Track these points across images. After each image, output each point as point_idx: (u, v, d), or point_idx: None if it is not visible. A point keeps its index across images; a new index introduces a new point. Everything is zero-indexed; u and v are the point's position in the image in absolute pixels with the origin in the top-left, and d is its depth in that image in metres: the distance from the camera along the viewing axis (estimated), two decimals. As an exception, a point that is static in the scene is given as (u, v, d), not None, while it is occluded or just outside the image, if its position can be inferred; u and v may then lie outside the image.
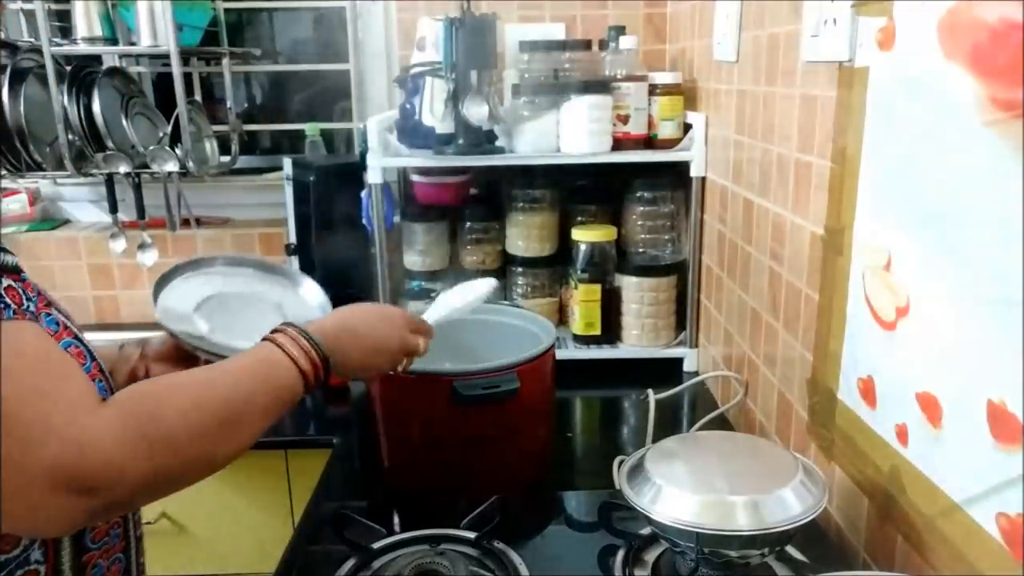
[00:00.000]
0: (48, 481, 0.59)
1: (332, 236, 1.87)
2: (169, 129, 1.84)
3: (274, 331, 0.82)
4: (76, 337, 0.78)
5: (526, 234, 1.79)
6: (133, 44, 1.80)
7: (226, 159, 2.04)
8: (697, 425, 1.42)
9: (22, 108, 1.70)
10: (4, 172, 1.83)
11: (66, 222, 2.19)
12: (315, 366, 0.80)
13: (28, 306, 0.68)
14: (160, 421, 0.66)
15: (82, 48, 1.78)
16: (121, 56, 1.93)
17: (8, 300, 0.65)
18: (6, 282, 0.66)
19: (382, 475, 1.20)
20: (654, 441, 1.14)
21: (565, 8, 1.94)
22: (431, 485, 1.17)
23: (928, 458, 0.80)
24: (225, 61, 2.00)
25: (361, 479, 1.22)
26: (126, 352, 1.03)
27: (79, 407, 0.63)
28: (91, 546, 0.78)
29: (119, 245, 1.91)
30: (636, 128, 1.61)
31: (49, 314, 0.75)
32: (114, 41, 1.82)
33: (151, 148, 1.81)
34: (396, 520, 1.07)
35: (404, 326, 0.92)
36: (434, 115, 1.67)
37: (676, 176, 1.70)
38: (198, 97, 2.01)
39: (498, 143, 1.65)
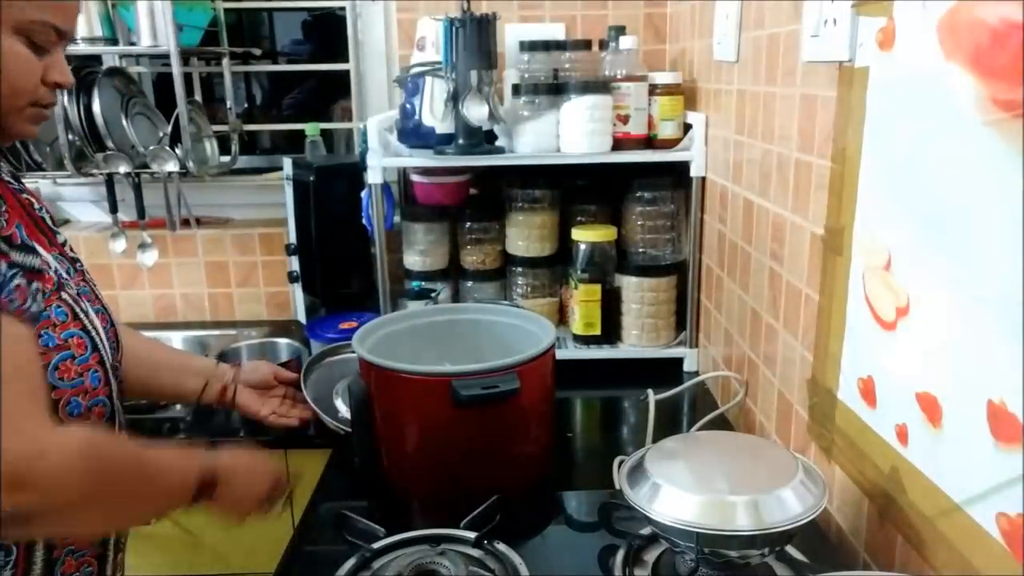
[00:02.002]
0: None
1: (332, 236, 1.87)
2: (169, 129, 1.84)
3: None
4: (83, 329, 0.84)
5: (526, 234, 1.79)
6: (133, 44, 1.80)
7: (226, 159, 2.04)
8: (697, 425, 1.42)
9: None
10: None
11: (66, 222, 2.19)
12: (210, 493, 0.86)
13: (30, 305, 0.75)
14: (104, 464, 0.72)
15: (82, 48, 1.79)
16: (121, 56, 1.94)
17: (15, 297, 0.73)
18: (16, 281, 0.73)
19: (382, 475, 1.20)
20: (654, 441, 1.14)
21: (565, 8, 1.94)
22: (431, 485, 1.17)
23: (928, 458, 0.80)
24: (225, 61, 2.01)
25: (361, 479, 1.22)
26: (221, 370, 1.25)
27: (42, 419, 0.69)
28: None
29: (119, 245, 1.91)
30: (636, 128, 1.61)
31: (59, 305, 0.82)
32: (114, 41, 1.82)
33: (151, 148, 1.81)
34: (396, 520, 1.06)
35: (271, 483, 0.98)
36: (434, 115, 1.67)
37: (676, 176, 1.70)
38: (198, 97, 2.01)
39: (498, 143, 1.66)
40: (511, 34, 1.85)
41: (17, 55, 0.78)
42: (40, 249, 0.85)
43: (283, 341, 1.77)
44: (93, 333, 0.86)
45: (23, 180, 0.96)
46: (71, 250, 0.96)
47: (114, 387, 0.90)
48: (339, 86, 2.07)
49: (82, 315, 0.85)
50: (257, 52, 2.14)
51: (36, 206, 0.94)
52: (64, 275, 0.87)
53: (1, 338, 0.68)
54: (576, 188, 1.84)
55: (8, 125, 0.82)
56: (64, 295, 0.84)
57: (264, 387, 1.31)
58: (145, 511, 0.84)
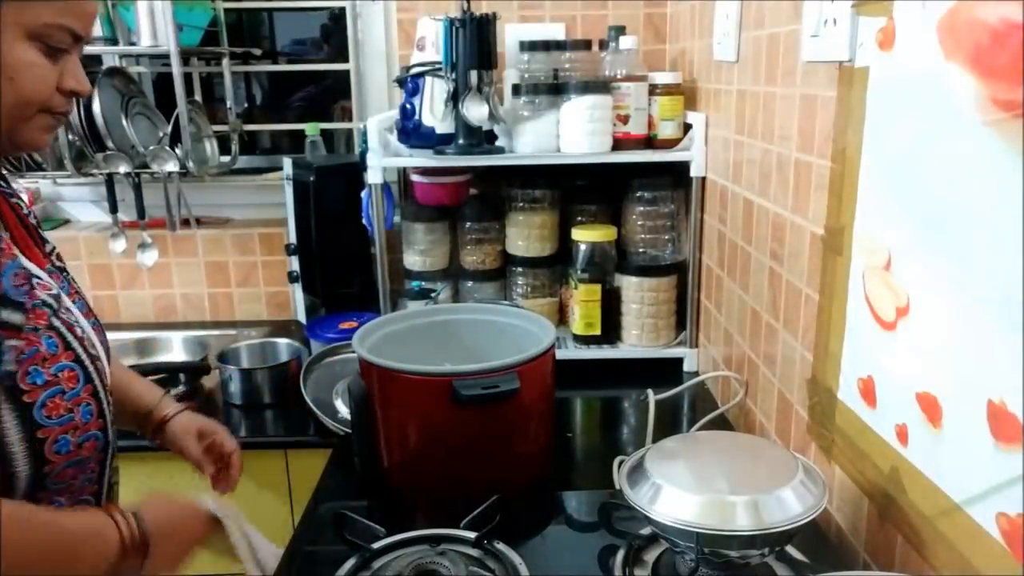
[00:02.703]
0: None
1: (332, 236, 1.87)
2: (169, 129, 1.84)
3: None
4: (76, 359, 0.79)
5: (526, 234, 1.79)
6: (133, 44, 1.80)
7: (226, 159, 2.05)
8: (697, 425, 1.42)
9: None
10: (4, 172, 1.83)
11: (66, 222, 2.19)
12: (140, 553, 0.79)
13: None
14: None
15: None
16: (121, 56, 1.94)
17: None
18: None
19: (382, 475, 1.20)
20: (654, 441, 1.14)
21: (565, 8, 1.94)
22: (431, 485, 1.17)
23: (928, 458, 0.80)
24: (225, 61, 2.01)
25: (361, 479, 1.22)
26: (163, 406, 1.08)
27: None
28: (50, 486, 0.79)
29: (119, 245, 1.91)
30: (636, 128, 1.61)
31: (51, 336, 0.77)
32: (114, 41, 1.82)
33: (151, 148, 1.81)
34: (396, 520, 1.06)
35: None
36: (434, 115, 1.67)
37: (676, 176, 1.70)
38: (198, 97, 2.01)
39: (498, 143, 1.66)
40: (511, 34, 1.86)
41: (31, 64, 0.73)
42: (37, 271, 0.80)
43: (283, 341, 1.77)
44: (87, 362, 0.80)
45: (10, 180, 0.90)
46: (58, 258, 0.91)
47: (108, 418, 0.84)
48: (349, 85, 2.08)
49: (75, 343, 0.80)
50: (257, 52, 2.14)
51: (26, 211, 0.88)
52: (58, 295, 0.81)
53: None
54: (576, 188, 1.84)
55: (18, 135, 0.76)
56: (57, 322, 0.78)
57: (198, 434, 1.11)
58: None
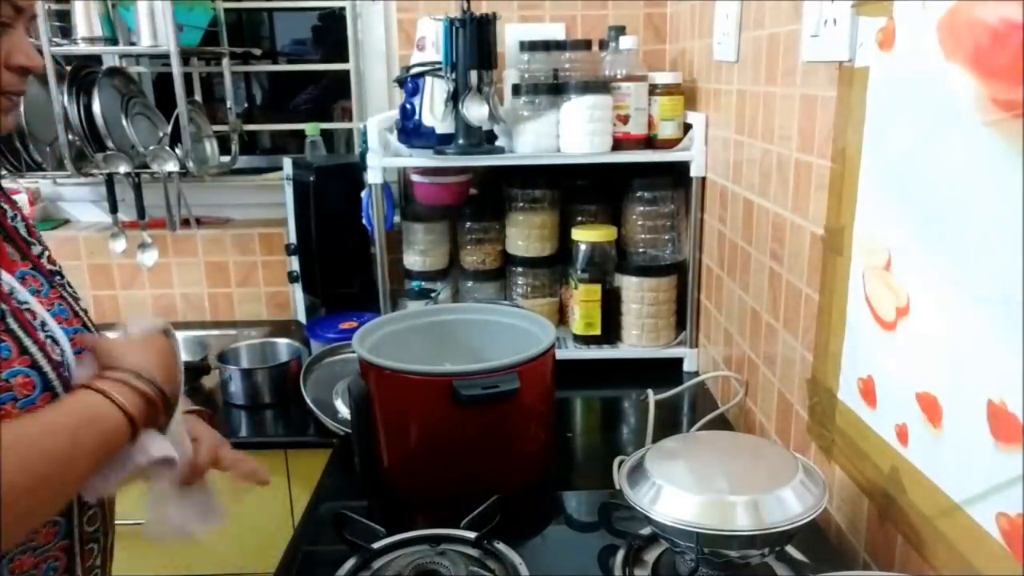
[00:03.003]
0: None
1: (332, 236, 1.87)
2: (169, 129, 1.84)
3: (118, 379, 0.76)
4: (32, 365, 0.75)
5: (526, 234, 1.79)
6: (133, 44, 1.80)
7: (226, 159, 2.04)
8: (697, 425, 1.42)
9: (22, 108, 1.70)
10: (4, 172, 1.84)
11: (66, 222, 2.19)
12: (154, 413, 0.77)
13: None
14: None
15: (82, 48, 1.79)
16: (121, 56, 1.94)
17: None
18: None
19: (382, 475, 1.20)
20: (654, 441, 1.14)
21: (565, 8, 1.94)
22: (431, 485, 1.17)
23: (928, 458, 0.80)
24: (225, 61, 2.01)
25: (361, 479, 1.22)
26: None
27: None
28: None
29: (119, 245, 1.91)
30: (636, 128, 1.61)
31: (3, 340, 0.73)
32: (114, 41, 1.82)
33: (151, 148, 1.81)
34: (396, 520, 1.06)
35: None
36: (434, 115, 1.67)
37: (676, 176, 1.70)
38: (198, 97, 2.01)
39: (498, 143, 1.66)
40: (511, 34, 1.86)
41: None
42: None
43: (283, 341, 1.77)
44: (46, 369, 0.76)
45: (1, 182, 0.88)
46: (50, 261, 0.87)
47: None
48: (349, 85, 2.08)
49: (33, 348, 0.75)
50: (257, 52, 2.14)
51: (10, 214, 0.85)
52: (22, 299, 0.78)
53: None
54: (576, 188, 1.84)
55: None
56: (10, 325, 0.74)
57: None
58: (75, 486, 0.73)
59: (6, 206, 0.86)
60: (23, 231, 0.86)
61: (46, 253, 0.88)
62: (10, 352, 0.73)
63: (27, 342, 0.75)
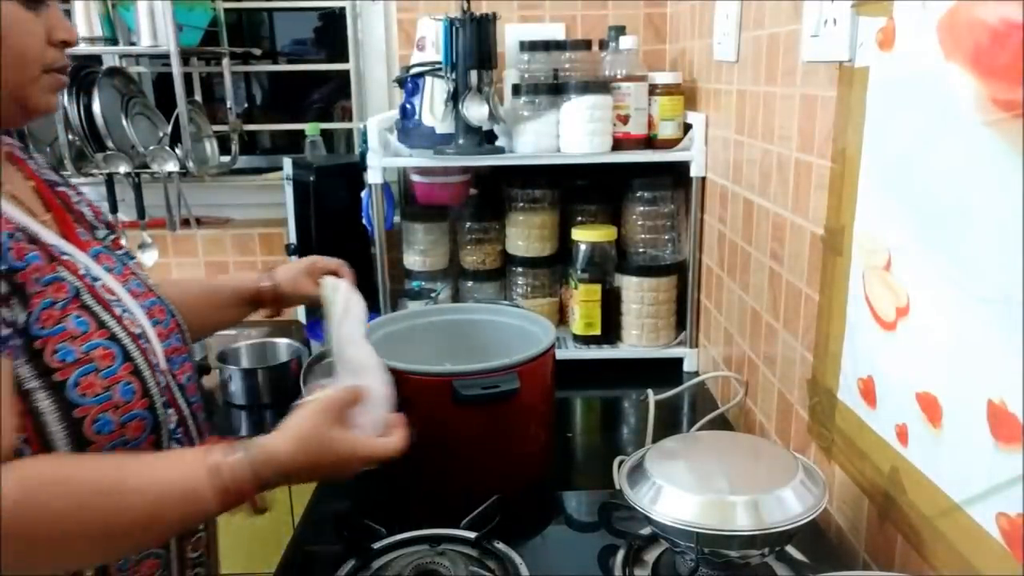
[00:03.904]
0: None
1: (332, 236, 1.87)
2: (169, 129, 1.84)
3: (225, 447, 0.76)
4: (111, 337, 0.77)
5: (526, 234, 1.79)
6: (133, 44, 1.81)
7: (226, 159, 2.05)
8: (697, 425, 1.42)
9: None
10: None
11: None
12: (244, 498, 0.76)
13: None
14: (28, 517, 0.65)
15: (82, 48, 1.79)
16: (121, 56, 1.94)
17: None
18: None
19: (382, 475, 1.20)
20: (654, 441, 1.14)
21: (565, 8, 1.94)
22: (431, 485, 1.17)
23: (928, 458, 0.80)
24: (225, 61, 2.01)
25: (361, 479, 1.22)
26: (263, 276, 1.12)
27: None
28: None
29: (119, 245, 1.91)
30: (636, 128, 1.61)
31: (79, 315, 0.76)
32: (114, 41, 1.82)
33: (151, 148, 1.81)
34: (396, 520, 1.06)
35: (350, 462, 0.85)
36: (434, 115, 1.67)
37: (676, 176, 1.70)
38: (198, 97, 2.01)
39: (498, 143, 1.66)
40: (511, 34, 1.86)
41: (15, 20, 0.73)
42: (68, 249, 0.79)
43: (283, 341, 1.77)
44: (125, 340, 0.78)
45: (62, 172, 0.92)
46: (115, 244, 0.90)
47: (157, 398, 0.81)
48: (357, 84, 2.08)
49: (111, 322, 0.78)
50: (257, 52, 2.14)
51: (75, 198, 0.89)
52: (96, 276, 0.80)
53: None
54: (576, 188, 1.84)
55: (27, 99, 0.76)
56: (89, 300, 0.77)
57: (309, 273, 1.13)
58: (136, 544, 0.74)
59: (71, 191, 0.90)
60: (89, 215, 0.90)
61: (111, 237, 0.91)
62: (88, 326, 0.76)
63: (104, 316, 0.78)
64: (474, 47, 1.52)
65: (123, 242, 0.93)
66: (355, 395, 0.88)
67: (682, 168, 1.63)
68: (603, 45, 1.70)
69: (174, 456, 0.78)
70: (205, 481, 0.72)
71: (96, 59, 1.88)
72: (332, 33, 2.35)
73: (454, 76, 1.55)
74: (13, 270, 0.71)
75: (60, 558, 0.69)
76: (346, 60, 2.06)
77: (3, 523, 0.62)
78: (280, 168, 1.97)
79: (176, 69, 1.74)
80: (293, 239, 1.93)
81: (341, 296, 1.03)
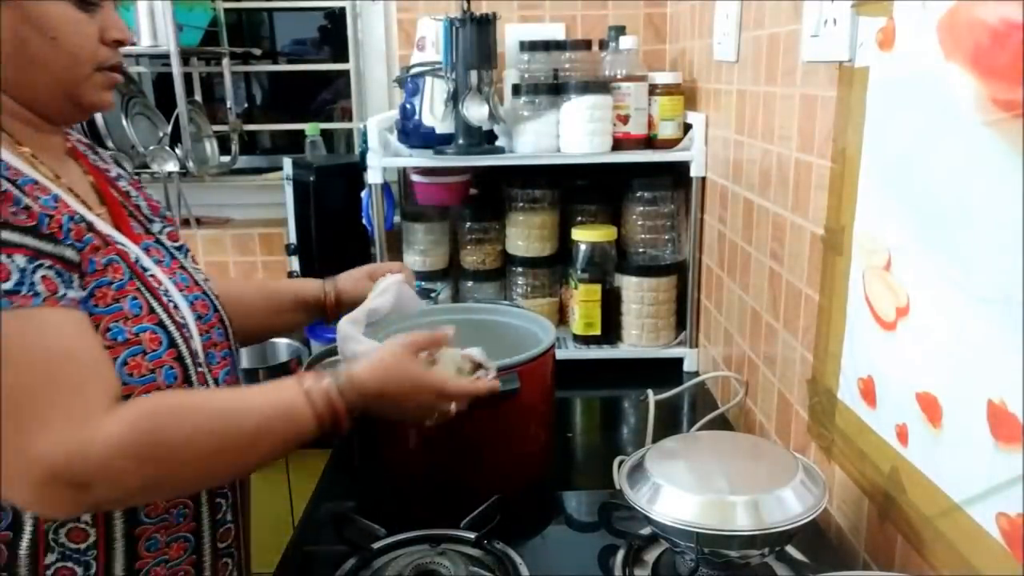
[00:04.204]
0: (42, 472, 0.66)
1: (332, 236, 1.87)
2: (169, 129, 1.84)
3: (316, 374, 0.83)
4: (159, 323, 0.80)
5: (526, 234, 1.79)
6: (133, 44, 1.80)
7: (226, 159, 2.05)
8: (697, 425, 1.42)
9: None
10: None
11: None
12: (338, 421, 0.81)
13: (65, 292, 0.72)
14: (160, 444, 0.70)
15: (82, 48, 1.78)
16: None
17: (41, 288, 0.69)
18: (42, 272, 0.70)
19: (382, 475, 1.20)
20: (654, 441, 1.14)
21: (565, 8, 1.94)
22: (431, 485, 1.17)
23: (928, 458, 0.80)
24: (225, 61, 2.01)
25: (361, 479, 1.22)
26: (315, 294, 1.14)
27: (87, 410, 0.68)
28: (144, 520, 0.81)
29: (119, 245, 1.91)
30: (636, 128, 1.61)
31: (136, 298, 0.79)
32: (114, 41, 1.82)
33: (151, 148, 1.81)
34: (396, 520, 1.06)
35: (437, 398, 0.89)
36: (434, 115, 1.67)
37: (676, 176, 1.70)
38: (198, 97, 2.01)
39: (498, 143, 1.66)
40: (511, 34, 1.86)
41: (69, 20, 0.77)
42: (121, 239, 0.82)
43: (283, 341, 1.77)
44: (171, 328, 0.81)
45: (124, 165, 0.97)
46: (170, 238, 0.94)
47: (196, 385, 0.84)
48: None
49: (160, 309, 0.81)
50: (257, 52, 2.14)
51: (134, 195, 0.93)
52: (145, 266, 0.83)
53: (16, 329, 0.67)
54: (576, 188, 1.84)
55: (80, 97, 0.80)
56: (141, 285, 0.80)
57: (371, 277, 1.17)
58: (248, 470, 0.80)
59: (130, 188, 0.94)
60: (145, 210, 0.94)
61: (166, 230, 0.94)
62: (140, 309, 0.79)
63: (154, 303, 0.81)
64: (474, 47, 1.52)
65: (179, 235, 0.97)
66: (438, 337, 0.93)
67: (682, 168, 1.63)
68: (603, 45, 1.70)
69: (272, 384, 0.82)
70: (302, 399, 0.79)
71: (96, 59, 1.87)
72: (333, 33, 2.35)
73: (454, 76, 1.55)
74: (73, 248, 0.74)
75: (187, 477, 0.74)
76: (346, 60, 2.06)
77: (139, 451, 0.68)
78: (280, 168, 1.97)
79: (176, 69, 1.74)
80: (293, 239, 1.93)
81: (374, 292, 1.05)
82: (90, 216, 0.80)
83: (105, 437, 0.67)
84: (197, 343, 0.85)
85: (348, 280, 1.15)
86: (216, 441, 0.74)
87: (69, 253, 0.74)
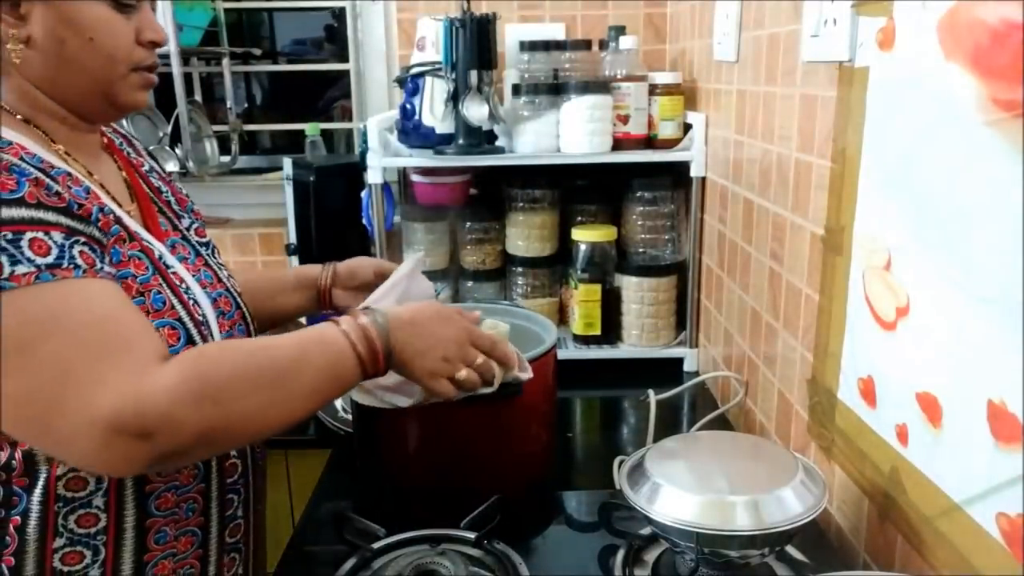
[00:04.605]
0: (106, 425, 0.66)
1: (332, 236, 1.87)
2: (169, 129, 1.84)
3: (348, 312, 0.84)
4: (178, 319, 0.82)
5: (526, 234, 1.79)
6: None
7: (226, 159, 2.05)
8: (697, 425, 1.42)
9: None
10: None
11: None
12: (374, 351, 0.81)
13: (102, 265, 0.74)
14: (210, 383, 0.71)
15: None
16: (121, 56, 1.93)
17: (80, 261, 0.71)
18: (78, 248, 0.72)
19: (382, 475, 1.20)
20: (655, 441, 1.14)
21: (565, 8, 1.94)
22: (431, 485, 1.17)
23: (928, 458, 0.80)
24: (225, 61, 2.01)
25: (361, 479, 1.22)
26: (313, 278, 1.15)
27: (140, 364, 0.70)
28: (155, 512, 0.82)
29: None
30: (636, 128, 1.61)
31: (159, 292, 0.81)
32: (114, 41, 1.82)
33: (151, 148, 1.81)
34: (396, 520, 1.06)
35: (464, 330, 0.89)
36: (434, 115, 1.67)
37: (676, 176, 1.70)
38: (198, 97, 2.01)
39: (498, 143, 1.66)
40: (511, 34, 1.86)
41: (105, 20, 0.78)
42: (147, 236, 0.84)
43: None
44: (190, 325, 0.82)
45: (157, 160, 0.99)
46: (198, 234, 0.95)
47: None
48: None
49: (179, 306, 0.82)
50: (257, 52, 2.14)
51: (164, 190, 0.95)
52: (169, 264, 0.85)
53: (62, 297, 0.69)
54: (576, 188, 1.84)
55: (116, 96, 0.82)
56: (163, 283, 0.82)
57: (360, 286, 1.16)
58: (298, 405, 0.79)
59: (160, 183, 0.96)
60: (174, 205, 0.95)
61: (194, 226, 0.96)
62: (163, 304, 0.81)
63: (173, 300, 0.83)
64: (474, 47, 1.52)
65: (206, 231, 0.98)
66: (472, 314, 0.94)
67: (682, 168, 1.63)
68: (603, 45, 1.70)
69: (307, 328, 0.84)
70: (335, 329, 0.80)
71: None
72: (333, 33, 2.35)
73: (454, 76, 1.55)
74: (101, 232, 0.76)
75: (239, 421, 0.74)
76: (346, 60, 2.06)
77: (190, 396, 0.69)
78: (280, 168, 1.97)
79: (176, 69, 1.74)
80: (293, 239, 1.93)
81: (388, 281, 1.04)
82: (119, 212, 0.81)
83: (160, 387, 0.68)
84: (217, 339, 0.87)
85: (346, 268, 1.15)
86: (257, 375, 0.75)
87: (98, 234, 0.76)
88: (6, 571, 0.77)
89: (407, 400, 0.92)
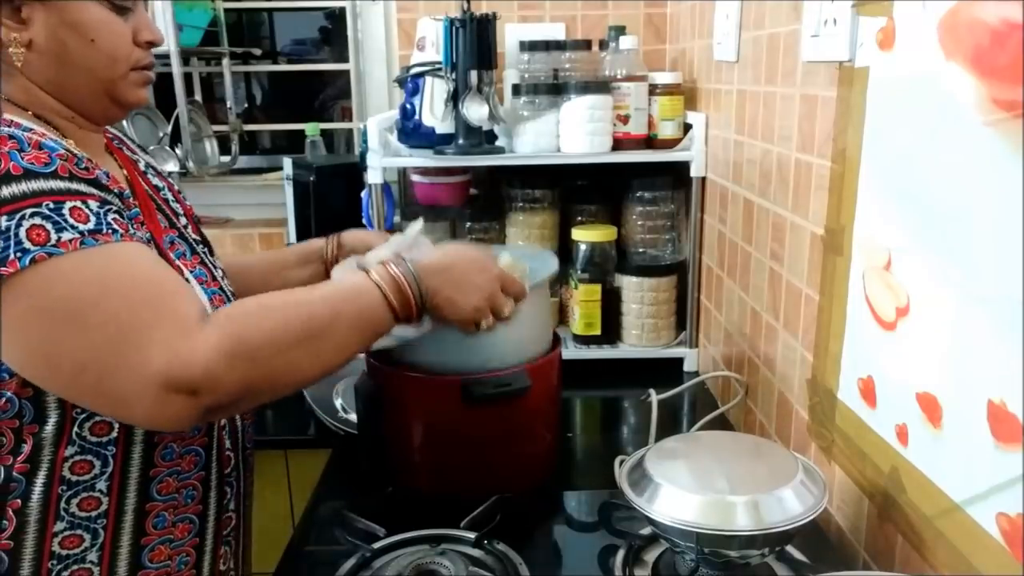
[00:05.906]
0: (160, 383, 0.69)
1: (332, 236, 1.87)
2: (169, 129, 1.84)
3: (380, 261, 0.87)
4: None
5: (526, 234, 1.79)
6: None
7: (226, 159, 2.05)
8: (697, 425, 1.42)
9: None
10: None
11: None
12: (406, 299, 0.84)
13: (135, 232, 0.77)
14: (247, 339, 0.74)
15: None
16: (121, 56, 1.93)
17: (116, 227, 0.74)
18: (112, 215, 0.75)
19: (382, 475, 1.20)
20: (656, 441, 1.14)
21: (565, 8, 1.94)
22: (435, 485, 1.17)
23: (928, 458, 0.80)
24: (225, 61, 2.01)
25: (361, 479, 1.22)
26: (318, 251, 1.16)
27: (185, 323, 0.72)
28: (156, 497, 0.84)
29: (119, 245, 1.91)
30: (636, 128, 1.61)
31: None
32: (114, 41, 1.82)
33: (151, 148, 1.81)
34: (396, 520, 1.06)
35: (495, 278, 0.94)
36: (434, 115, 1.67)
37: (676, 176, 1.70)
38: (198, 97, 2.01)
39: (498, 143, 1.66)
40: (511, 34, 1.86)
41: (105, 22, 0.81)
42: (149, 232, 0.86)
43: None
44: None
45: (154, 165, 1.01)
46: (194, 232, 0.97)
47: None
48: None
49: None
50: (257, 52, 2.14)
51: (161, 187, 0.97)
52: (170, 257, 0.87)
53: (107, 261, 0.72)
54: (576, 188, 1.84)
55: (119, 95, 0.84)
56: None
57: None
58: (334, 356, 0.81)
59: (157, 181, 0.97)
60: (172, 203, 0.97)
61: (189, 225, 0.97)
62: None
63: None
64: (474, 47, 1.52)
65: (201, 229, 1.00)
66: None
67: (682, 168, 1.63)
68: (603, 45, 1.70)
69: (339, 280, 0.89)
70: (364, 277, 0.84)
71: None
72: (327, 34, 2.35)
73: (454, 76, 1.55)
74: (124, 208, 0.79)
75: (278, 367, 0.76)
76: (346, 60, 2.06)
77: (230, 349, 0.72)
78: (280, 168, 1.97)
79: (176, 69, 1.74)
80: (293, 239, 1.93)
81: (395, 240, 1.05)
82: (132, 200, 0.84)
83: (203, 343, 0.71)
84: None
85: (352, 237, 1.17)
86: (293, 331, 0.77)
87: (122, 207, 0.78)
88: (3, 555, 0.78)
89: (415, 331, 0.94)
